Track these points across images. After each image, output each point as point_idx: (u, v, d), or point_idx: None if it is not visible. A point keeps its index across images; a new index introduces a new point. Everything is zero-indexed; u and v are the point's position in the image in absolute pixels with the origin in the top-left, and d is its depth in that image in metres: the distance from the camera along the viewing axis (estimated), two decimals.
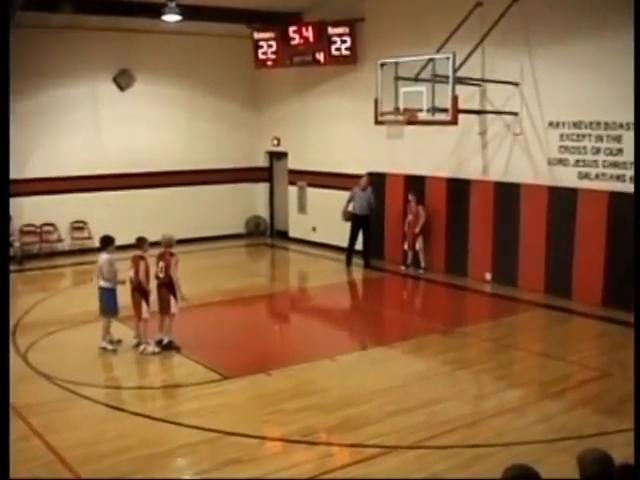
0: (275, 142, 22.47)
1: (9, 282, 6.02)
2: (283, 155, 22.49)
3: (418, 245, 17.49)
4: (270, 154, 23.12)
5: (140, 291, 11.81)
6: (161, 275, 11.85)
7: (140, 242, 12.06)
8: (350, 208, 18.22)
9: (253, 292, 16.01)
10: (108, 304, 12.15)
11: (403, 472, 7.72)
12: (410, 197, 17.49)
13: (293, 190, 22.02)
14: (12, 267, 18.39)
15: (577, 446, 7.71)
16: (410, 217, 17.51)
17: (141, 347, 11.76)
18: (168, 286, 11.81)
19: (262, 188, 23.42)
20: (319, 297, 16.58)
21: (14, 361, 11.45)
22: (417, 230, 17.35)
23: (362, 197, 18.16)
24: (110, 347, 11.90)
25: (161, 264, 11.87)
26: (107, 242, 12.43)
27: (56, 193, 19.65)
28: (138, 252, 11.96)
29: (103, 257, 12.28)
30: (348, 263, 18.59)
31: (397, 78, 14.90)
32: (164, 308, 11.89)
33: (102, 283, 12.20)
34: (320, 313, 15.28)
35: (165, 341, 11.85)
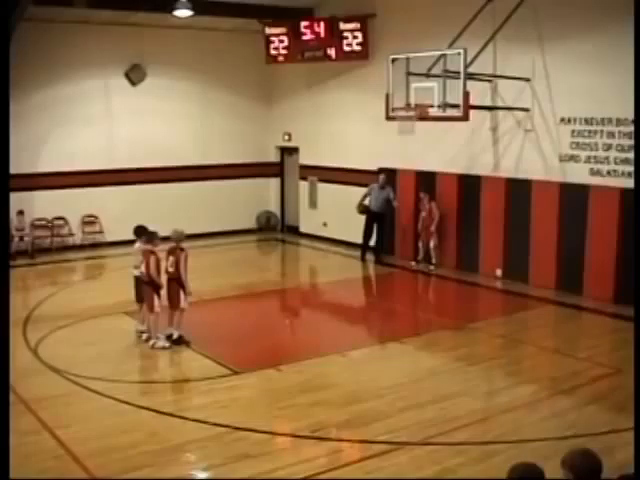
0: (286, 137, 22.45)
1: (9, 284, 6.02)
2: (294, 150, 22.47)
3: (432, 242, 17.43)
4: (281, 149, 23.11)
5: (151, 285, 11.82)
6: (171, 270, 11.86)
7: (150, 236, 12.02)
8: (366, 202, 18.25)
9: (264, 287, 16.01)
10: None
11: (413, 468, 7.70)
12: (422, 195, 17.45)
13: (304, 185, 22.01)
14: (24, 261, 18.49)
15: (588, 443, 7.68)
16: (424, 214, 17.46)
17: (151, 341, 11.78)
18: (178, 281, 11.81)
19: (273, 183, 23.41)
20: (330, 292, 16.56)
21: (24, 355, 11.52)
22: (433, 228, 17.30)
23: (378, 194, 18.18)
24: (146, 333, 12.07)
25: (171, 259, 11.86)
26: (140, 232, 12.44)
27: (67, 187, 19.68)
28: (148, 246, 11.92)
29: (136, 246, 12.37)
30: (362, 258, 18.67)
31: (408, 74, 14.86)
32: (174, 303, 11.90)
33: (135, 272, 12.29)
34: (330, 308, 15.27)
35: (175, 335, 11.87)
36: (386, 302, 15.88)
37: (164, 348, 11.64)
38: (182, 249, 11.98)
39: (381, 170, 18.79)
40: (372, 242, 18.70)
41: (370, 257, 18.54)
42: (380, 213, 18.35)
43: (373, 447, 8.28)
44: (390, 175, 18.60)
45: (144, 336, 12.04)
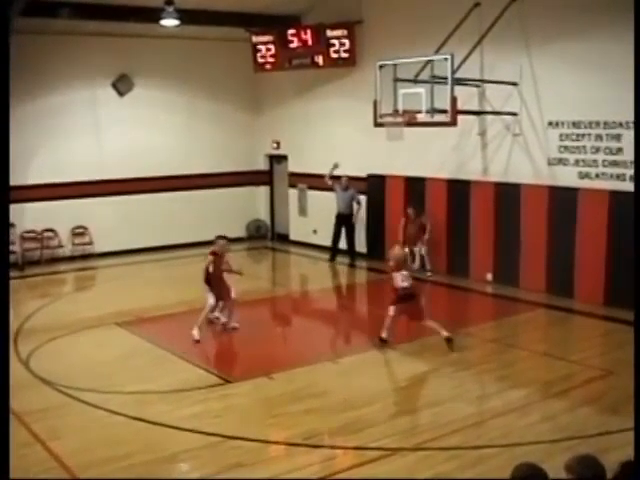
0: (275, 145, 22.47)
1: (9, 290, 6.00)
2: (283, 158, 22.48)
3: (424, 250, 17.44)
4: (270, 157, 23.11)
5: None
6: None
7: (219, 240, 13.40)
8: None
9: (255, 295, 15.97)
10: None
11: (407, 474, 7.70)
12: (409, 211, 17.50)
13: (293, 193, 22.02)
14: (14, 273, 18.42)
15: (581, 446, 7.71)
16: (412, 228, 17.49)
17: (233, 324, 13.20)
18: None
19: (262, 191, 23.42)
20: (320, 300, 16.56)
21: (15, 367, 11.44)
22: (426, 237, 17.33)
23: (343, 197, 18.88)
24: (221, 317, 13.41)
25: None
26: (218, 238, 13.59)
27: (56, 199, 19.64)
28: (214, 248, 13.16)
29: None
30: (332, 259, 19.26)
31: (396, 80, 14.89)
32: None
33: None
34: (322, 316, 15.26)
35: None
36: (378, 308, 15.85)
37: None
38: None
39: (370, 176, 18.84)
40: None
41: (343, 260, 18.93)
42: (346, 215, 18.96)
43: (366, 453, 8.27)
44: (379, 181, 18.64)
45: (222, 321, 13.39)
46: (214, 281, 12.96)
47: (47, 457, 8.33)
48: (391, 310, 11.97)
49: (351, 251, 19.19)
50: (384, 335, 11.99)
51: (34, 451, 8.52)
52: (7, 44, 6.66)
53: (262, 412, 9.70)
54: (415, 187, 17.78)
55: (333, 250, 19.33)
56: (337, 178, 19.02)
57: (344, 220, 19.06)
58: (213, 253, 13.06)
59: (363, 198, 19.16)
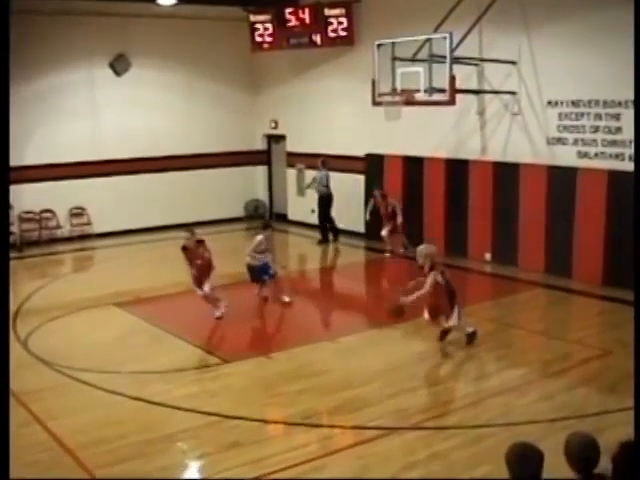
0: (273, 125, 22.39)
1: (9, 274, 5.98)
2: (281, 138, 22.42)
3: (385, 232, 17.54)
4: (268, 137, 23.05)
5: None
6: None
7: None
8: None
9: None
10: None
11: (405, 453, 7.72)
12: (375, 193, 17.54)
13: (292, 173, 21.97)
14: (12, 254, 18.40)
15: (578, 425, 7.72)
16: (382, 211, 17.49)
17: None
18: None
19: (261, 171, 23.37)
20: (319, 279, 16.56)
21: (14, 348, 11.44)
22: (399, 220, 17.29)
23: (321, 177, 19.26)
24: (287, 299, 13.72)
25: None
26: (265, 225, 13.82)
27: (54, 179, 19.61)
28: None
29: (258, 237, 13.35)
30: (324, 240, 19.45)
31: (394, 59, 14.82)
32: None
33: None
34: (320, 295, 15.27)
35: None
36: (375, 287, 15.89)
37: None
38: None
39: (368, 156, 18.79)
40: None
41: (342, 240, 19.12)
42: (325, 195, 19.27)
43: (365, 433, 8.30)
44: (377, 160, 18.60)
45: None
46: (199, 273, 12.64)
47: (46, 437, 8.35)
48: (454, 319, 10.97)
49: (335, 229, 19.46)
50: (470, 329, 11.27)
51: (33, 431, 8.54)
52: (7, 30, 6.59)
53: (260, 391, 9.71)
54: (413, 166, 17.74)
55: (323, 230, 19.47)
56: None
57: (324, 200, 19.33)
58: (183, 248, 12.69)
59: (361, 178, 19.12)
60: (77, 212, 20.26)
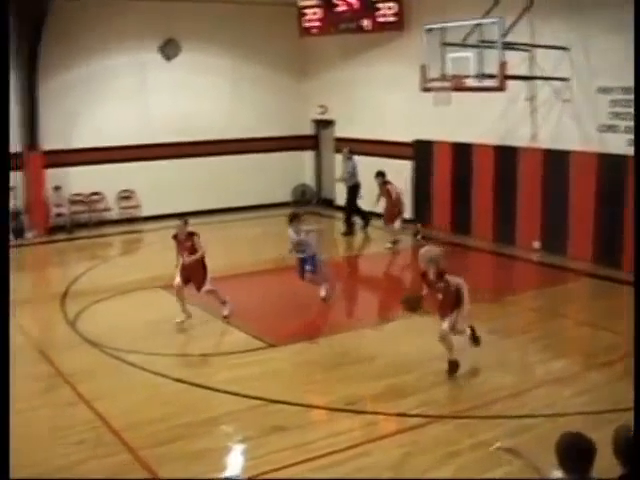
0: (321, 110, 22.35)
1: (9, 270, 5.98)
2: (329, 123, 22.38)
3: (398, 223, 17.25)
4: (316, 122, 23.02)
5: None
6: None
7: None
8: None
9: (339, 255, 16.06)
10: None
11: (448, 441, 7.69)
12: (378, 181, 17.46)
13: (339, 158, 21.90)
14: (62, 236, 18.69)
15: (622, 418, 7.62)
16: (384, 200, 17.41)
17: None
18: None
19: (308, 156, 23.36)
20: (364, 265, 16.55)
21: (62, 328, 11.67)
22: (402, 209, 17.27)
23: (348, 166, 19.14)
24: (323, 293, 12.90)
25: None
26: (294, 217, 12.74)
27: (104, 163, 19.80)
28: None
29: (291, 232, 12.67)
30: (365, 225, 19.08)
31: (444, 44, 14.71)
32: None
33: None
34: (365, 281, 15.26)
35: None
36: (418, 274, 15.80)
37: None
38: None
39: (416, 142, 18.69)
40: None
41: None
42: (351, 185, 19.02)
43: (408, 420, 8.28)
44: (426, 147, 18.50)
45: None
46: (188, 270, 11.91)
47: (92, 417, 8.47)
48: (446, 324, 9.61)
49: (363, 216, 19.09)
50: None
51: (79, 411, 8.67)
52: (7, 30, 6.65)
53: (304, 376, 9.74)
54: (462, 153, 17.62)
55: (364, 217, 19.07)
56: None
57: (351, 190, 19.10)
58: (174, 237, 12.13)
59: (408, 164, 19.03)
60: (126, 195, 20.44)
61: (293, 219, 12.58)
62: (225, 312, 11.98)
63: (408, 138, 18.98)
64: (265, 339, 11.02)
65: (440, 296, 9.51)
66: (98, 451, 7.62)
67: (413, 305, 9.98)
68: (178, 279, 11.81)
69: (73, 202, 19.77)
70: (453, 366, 9.49)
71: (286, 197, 22.67)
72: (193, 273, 11.82)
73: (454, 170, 17.75)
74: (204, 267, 11.91)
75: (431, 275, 9.50)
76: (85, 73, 19.46)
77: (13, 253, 17.50)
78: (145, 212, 20.53)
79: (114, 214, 20.31)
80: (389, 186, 17.31)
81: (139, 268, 15.65)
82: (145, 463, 7.44)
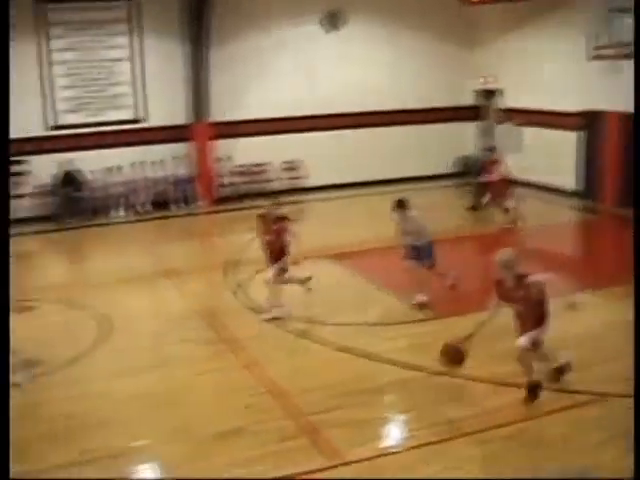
0: (484, 80, 21.95)
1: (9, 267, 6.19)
2: (493, 93, 21.95)
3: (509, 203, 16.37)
4: (479, 92, 22.62)
5: None
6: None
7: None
8: None
9: (463, 232, 15.84)
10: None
11: (614, 421, 7.48)
12: (494, 157, 16.81)
13: (504, 129, 21.46)
14: (228, 206, 19.23)
15: None
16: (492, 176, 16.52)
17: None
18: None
19: (471, 127, 23.00)
20: (530, 238, 16.12)
21: (225, 296, 12.03)
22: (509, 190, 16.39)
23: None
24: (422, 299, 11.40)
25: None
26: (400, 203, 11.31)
27: (268, 134, 20.18)
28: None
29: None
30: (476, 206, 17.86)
31: (613, 10, 14.16)
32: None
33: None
34: (531, 255, 14.90)
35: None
36: (592, 249, 15.37)
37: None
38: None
39: (585, 112, 18.09)
40: None
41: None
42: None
43: (575, 397, 8.09)
44: (595, 117, 17.89)
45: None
46: (269, 253, 11.34)
47: (255, 383, 8.73)
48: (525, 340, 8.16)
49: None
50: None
51: (243, 376, 8.95)
52: (7, 29, 6.77)
53: (471, 348, 9.61)
54: (633, 123, 16.93)
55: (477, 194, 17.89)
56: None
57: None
58: (260, 216, 11.49)
59: (572, 135, 18.49)
60: (291, 166, 20.77)
61: (399, 205, 11.24)
62: (274, 314, 10.99)
63: (573, 108, 18.39)
64: (429, 310, 11.03)
65: (519, 307, 8.07)
66: (263, 416, 7.84)
67: (454, 358, 8.27)
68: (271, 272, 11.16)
69: (239, 173, 20.28)
70: (534, 390, 8.09)
71: (447, 169, 22.41)
72: (273, 257, 11.24)
73: (624, 141, 17.07)
74: (282, 254, 11.18)
75: (509, 283, 8.01)
76: (253, 45, 19.90)
77: (182, 221, 18.25)
78: (310, 183, 20.81)
79: (279, 184, 20.66)
80: (498, 163, 16.63)
81: (305, 239, 15.79)
82: (307, 429, 7.61)
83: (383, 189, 20.04)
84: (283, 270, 11.19)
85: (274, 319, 10.82)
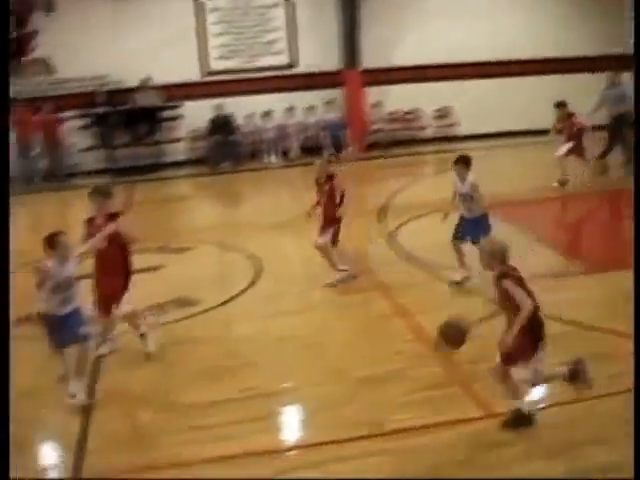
0: None
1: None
2: None
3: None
4: None
5: None
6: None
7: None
8: None
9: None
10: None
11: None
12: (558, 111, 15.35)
13: None
14: (378, 153, 19.22)
15: None
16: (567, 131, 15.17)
17: None
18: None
19: (626, 77, 22.00)
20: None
21: (379, 243, 12.11)
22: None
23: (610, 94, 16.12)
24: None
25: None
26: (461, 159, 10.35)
27: (422, 81, 19.98)
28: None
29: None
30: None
31: None
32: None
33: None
34: None
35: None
36: None
37: None
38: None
39: None
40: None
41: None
42: (616, 115, 16.10)
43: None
44: None
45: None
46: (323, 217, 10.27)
47: (405, 330, 8.73)
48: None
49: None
50: None
51: (394, 324, 8.96)
52: (7, 29, 6.69)
53: (620, 305, 9.32)
54: None
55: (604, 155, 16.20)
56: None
57: (615, 120, 16.17)
58: (317, 180, 10.35)
59: None
60: (443, 113, 20.54)
61: (459, 161, 10.15)
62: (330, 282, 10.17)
63: None
64: (582, 264, 10.76)
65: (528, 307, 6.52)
66: (414, 362, 7.83)
67: (453, 338, 6.67)
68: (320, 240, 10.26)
69: (391, 120, 20.19)
70: (518, 418, 6.52)
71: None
72: (325, 222, 10.26)
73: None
74: (332, 221, 10.18)
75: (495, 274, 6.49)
76: None
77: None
78: (463, 131, 20.52)
79: (431, 132, 20.48)
80: (574, 119, 15.26)
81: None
82: (456, 377, 7.57)
83: (536, 139, 19.58)
84: None
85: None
